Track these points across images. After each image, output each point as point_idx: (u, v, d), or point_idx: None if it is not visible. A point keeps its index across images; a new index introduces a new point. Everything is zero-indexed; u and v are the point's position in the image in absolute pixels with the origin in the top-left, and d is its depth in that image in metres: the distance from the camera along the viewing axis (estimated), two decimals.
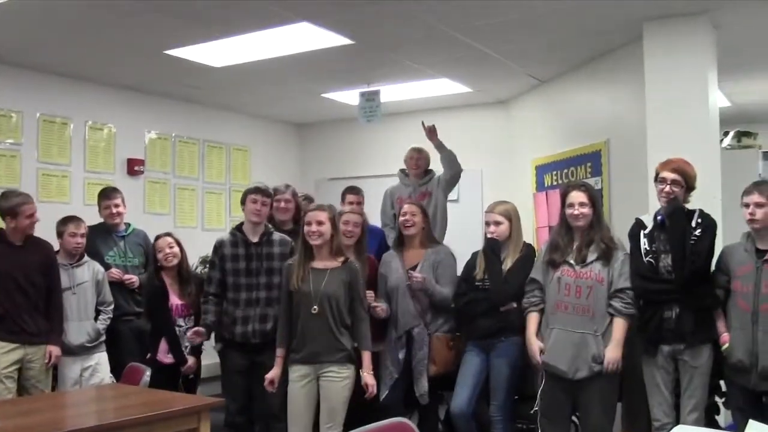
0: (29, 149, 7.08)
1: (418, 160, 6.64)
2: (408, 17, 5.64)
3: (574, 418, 4.88)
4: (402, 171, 6.82)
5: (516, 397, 5.16)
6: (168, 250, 5.70)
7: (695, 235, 4.48)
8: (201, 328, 5.27)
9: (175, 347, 5.54)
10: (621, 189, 6.35)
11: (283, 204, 5.89)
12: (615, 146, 6.47)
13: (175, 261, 5.72)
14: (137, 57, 6.74)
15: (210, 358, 5.99)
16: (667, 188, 4.54)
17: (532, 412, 4.76)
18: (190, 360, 5.56)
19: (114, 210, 6.29)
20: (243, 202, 5.39)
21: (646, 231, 4.64)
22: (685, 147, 5.12)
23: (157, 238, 5.83)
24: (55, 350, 5.43)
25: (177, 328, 5.57)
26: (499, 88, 8.09)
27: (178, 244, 5.79)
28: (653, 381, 4.56)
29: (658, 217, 4.60)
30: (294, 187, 6.12)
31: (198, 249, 5.95)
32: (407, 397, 5.37)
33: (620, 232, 4.87)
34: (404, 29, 5.94)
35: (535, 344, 4.75)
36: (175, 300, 5.64)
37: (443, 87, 7.89)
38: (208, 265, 5.56)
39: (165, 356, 5.56)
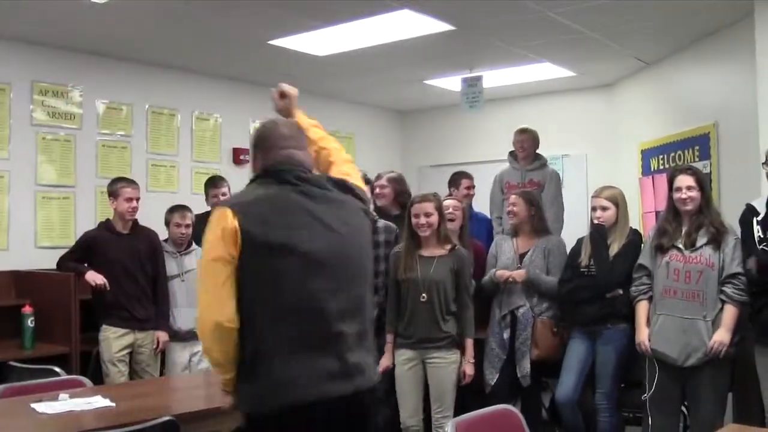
0: (139, 140, 7.30)
1: (522, 142, 6.59)
2: (509, 1, 5.59)
3: (683, 408, 4.77)
4: (511, 154, 6.76)
5: (622, 385, 5.07)
6: None
7: None
8: None
9: None
10: (731, 173, 6.17)
11: (378, 190, 5.89)
12: (724, 129, 6.28)
13: None
14: (241, 48, 6.87)
15: None
16: None
17: (643, 398, 4.65)
18: None
19: (221, 198, 6.40)
20: None
21: (759, 217, 4.42)
22: None
23: None
24: (162, 336, 5.61)
25: None
26: (602, 71, 7.95)
27: None
28: (767, 371, 4.40)
29: None
30: (394, 175, 6.07)
31: None
32: (511, 383, 5.34)
33: (730, 217, 4.70)
34: (505, 13, 5.89)
35: (644, 333, 4.63)
36: None
37: (546, 71, 7.79)
38: None
39: None
